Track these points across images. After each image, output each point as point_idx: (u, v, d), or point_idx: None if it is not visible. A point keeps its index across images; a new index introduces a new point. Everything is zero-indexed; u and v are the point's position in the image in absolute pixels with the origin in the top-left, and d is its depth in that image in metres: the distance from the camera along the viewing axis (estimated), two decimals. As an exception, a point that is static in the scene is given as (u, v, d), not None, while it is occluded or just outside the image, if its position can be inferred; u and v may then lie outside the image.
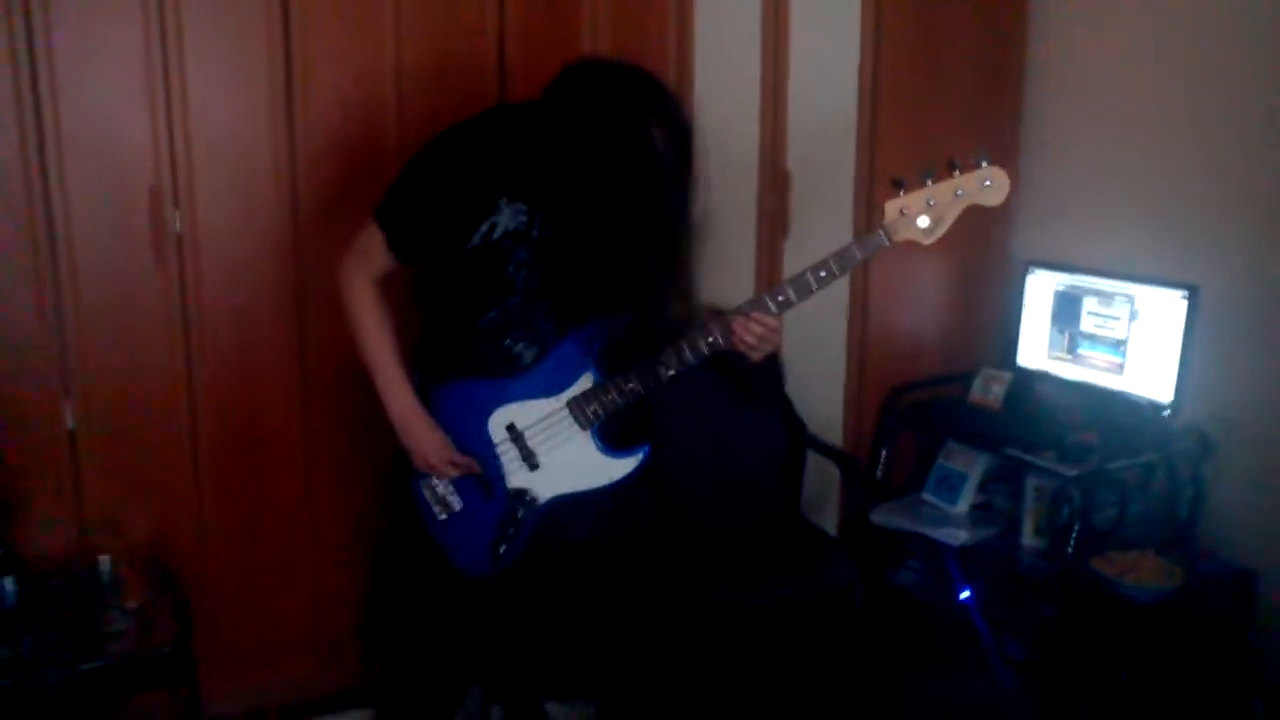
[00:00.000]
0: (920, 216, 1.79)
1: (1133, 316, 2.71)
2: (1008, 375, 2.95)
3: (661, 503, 2.05)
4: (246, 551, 2.64)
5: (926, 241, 1.80)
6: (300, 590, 2.69)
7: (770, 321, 1.84)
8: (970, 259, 3.02)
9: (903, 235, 1.80)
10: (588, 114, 1.74)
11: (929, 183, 1.80)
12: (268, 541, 2.64)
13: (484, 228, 1.89)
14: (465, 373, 2.00)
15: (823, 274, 1.82)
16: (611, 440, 1.98)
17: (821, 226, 2.89)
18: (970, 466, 2.91)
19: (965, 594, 2.73)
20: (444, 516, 2.03)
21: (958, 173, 1.78)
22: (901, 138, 2.80)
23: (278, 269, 2.54)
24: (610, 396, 1.93)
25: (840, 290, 2.84)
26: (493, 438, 1.99)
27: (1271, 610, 2.51)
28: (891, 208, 1.80)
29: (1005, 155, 3.09)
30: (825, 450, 2.82)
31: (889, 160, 2.80)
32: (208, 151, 2.45)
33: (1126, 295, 2.72)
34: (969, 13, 2.92)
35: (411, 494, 2.06)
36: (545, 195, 1.86)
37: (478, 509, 2.02)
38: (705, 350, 1.88)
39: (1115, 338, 2.76)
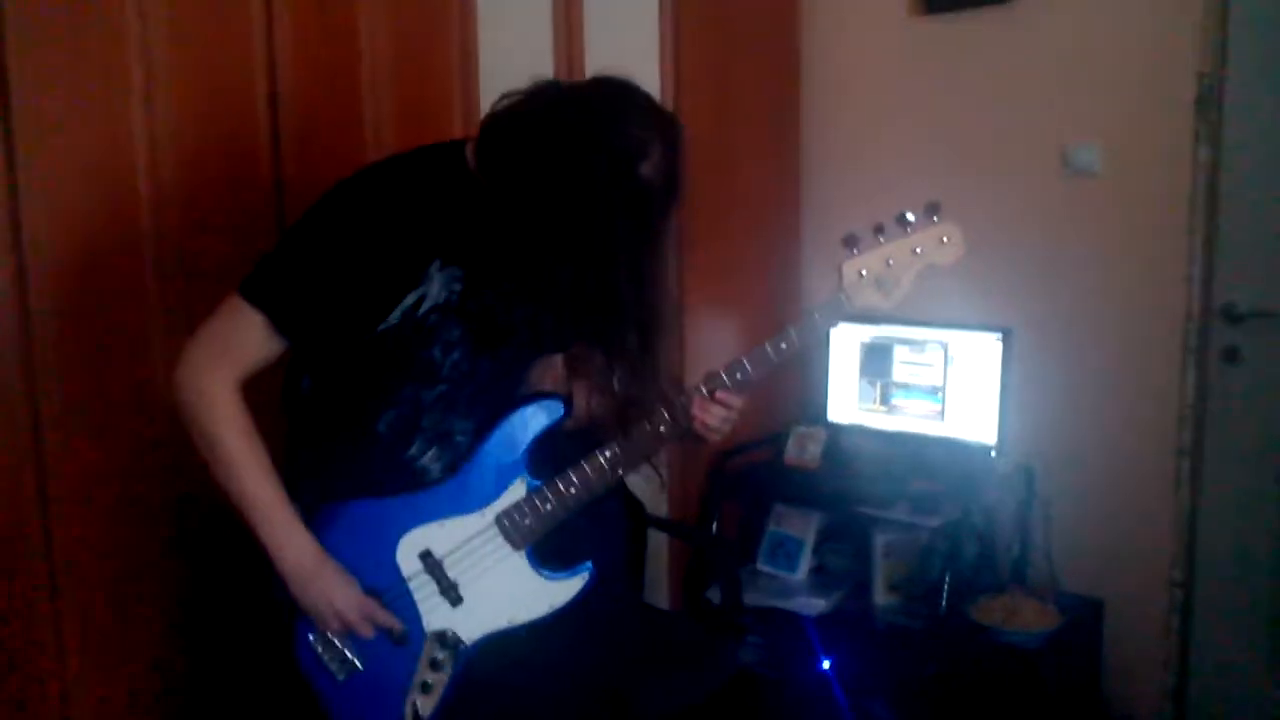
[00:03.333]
0: (880, 277, 1.73)
1: (947, 362, 2.84)
2: (821, 432, 2.99)
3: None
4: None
5: (887, 305, 1.76)
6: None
7: (735, 401, 1.72)
8: (761, 316, 3.04)
9: (861, 299, 1.74)
10: (562, 137, 1.52)
11: (882, 240, 1.74)
12: None
13: (409, 300, 1.61)
14: (357, 491, 1.68)
15: (783, 346, 1.74)
16: (547, 558, 1.74)
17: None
18: (805, 530, 2.93)
19: (826, 664, 2.69)
20: (344, 677, 1.69)
21: (911, 228, 1.74)
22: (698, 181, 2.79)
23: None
24: (549, 507, 1.70)
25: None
26: (403, 570, 1.70)
27: (1118, 635, 2.69)
28: (850, 269, 1.75)
29: (788, 201, 3.19)
30: (674, 529, 2.72)
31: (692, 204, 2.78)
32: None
33: (939, 342, 2.85)
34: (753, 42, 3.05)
35: (295, 654, 1.69)
36: (492, 253, 1.60)
37: (387, 663, 1.72)
38: (660, 438, 1.70)
39: (931, 384, 2.87)
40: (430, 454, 1.72)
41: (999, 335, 2.77)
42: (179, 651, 2.09)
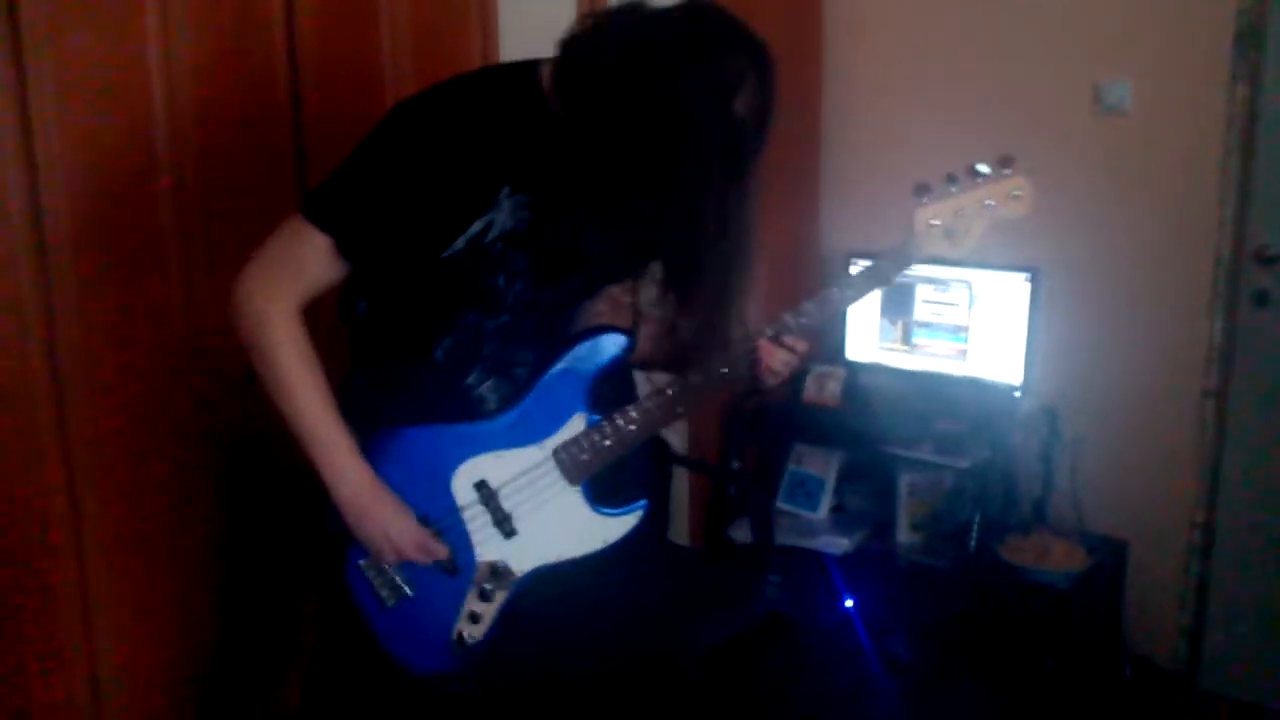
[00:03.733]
0: (950, 227, 1.71)
1: (971, 302, 2.82)
2: (841, 370, 2.99)
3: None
4: None
5: (955, 255, 1.74)
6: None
7: (801, 345, 1.69)
8: (777, 254, 3.01)
9: (931, 248, 1.73)
10: (648, 65, 1.42)
11: (953, 190, 1.71)
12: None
13: (476, 227, 1.55)
14: (413, 417, 1.66)
15: (850, 292, 1.73)
16: (601, 494, 1.71)
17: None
18: (826, 469, 2.93)
19: (849, 603, 2.71)
20: (393, 604, 1.67)
21: (983, 180, 1.71)
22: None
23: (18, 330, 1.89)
24: (607, 443, 1.68)
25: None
26: (458, 500, 1.68)
27: (1138, 575, 2.72)
28: (921, 217, 1.73)
29: (807, 142, 3.15)
30: (699, 466, 2.70)
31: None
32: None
33: (963, 281, 2.83)
34: None
35: (345, 579, 1.67)
36: (564, 181, 1.53)
37: (436, 591, 1.71)
38: (719, 379, 1.67)
39: (955, 324, 2.86)
40: (488, 384, 1.68)
41: (1027, 275, 2.75)
42: (207, 590, 2.07)
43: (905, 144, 3.04)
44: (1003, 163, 1.73)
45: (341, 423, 1.60)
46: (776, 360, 1.70)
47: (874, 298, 2.94)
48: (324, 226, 1.54)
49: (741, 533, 2.84)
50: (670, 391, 1.69)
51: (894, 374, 2.98)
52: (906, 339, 2.97)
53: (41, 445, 1.82)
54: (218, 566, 2.08)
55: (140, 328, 1.91)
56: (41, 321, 1.80)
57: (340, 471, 1.59)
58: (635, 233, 1.62)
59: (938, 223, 1.72)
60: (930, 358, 2.93)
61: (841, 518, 2.93)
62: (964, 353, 2.87)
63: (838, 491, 2.98)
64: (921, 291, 2.93)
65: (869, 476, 2.96)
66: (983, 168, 1.73)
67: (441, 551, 1.65)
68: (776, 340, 1.70)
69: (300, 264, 1.57)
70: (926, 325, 2.93)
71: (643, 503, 1.75)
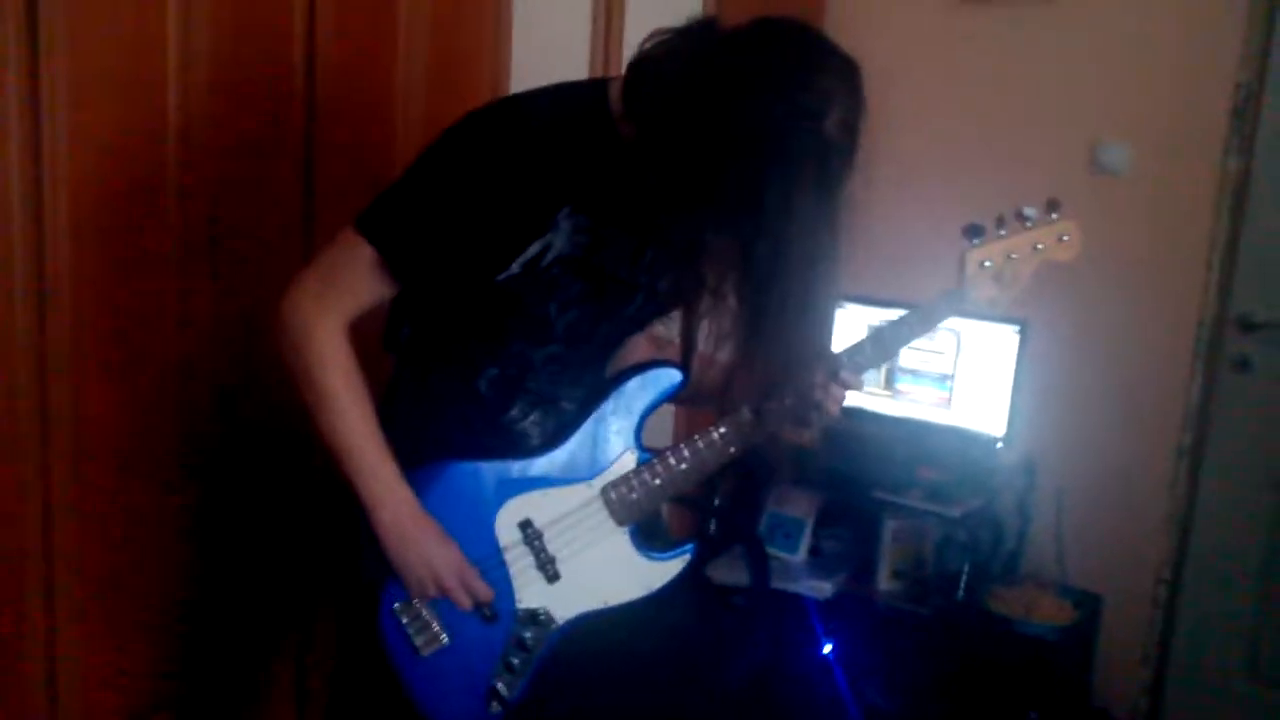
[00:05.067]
0: (1000, 271, 1.70)
1: (959, 351, 2.83)
2: (821, 412, 2.95)
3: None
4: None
5: (1003, 299, 1.73)
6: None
7: (858, 384, 1.65)
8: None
9: (981, 291, 1.70)
10: (733, 88, 1.33)
11: (1002, 233, 1.70)
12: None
13: (533, 249, 1.48)
14: (453, 450, 1.59)
15: (904, 331, 1.70)
16: (647, 537, 1.65)
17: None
18: (807, 511, 2.90)
19: (828, 648, 2.68)
20: (428, 653, 1.58)
21: (1031, 225, 1.71)
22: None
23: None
24: (657, 482, 1.62)
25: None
26: (501, 540, 1.60)
27: (1108, 630, 2.75)
28: (973, 259, 1.70)
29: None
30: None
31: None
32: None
33: (952, 330, 2.84)
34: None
35: (378, 623, 1.59)
36: (629, 206, 1.46)
37: (472, 639, 1.63)
38: (776, 420, 1.62)
39: (941, 372, 2.86)
40: (532, 418, 1.61)
41: (1016, 328, 2.78)
42: (184, 622, 1.96)
43: (896, 190, 3.04)
44: (1050, 207, 1.73)
45: (384, 445, 1.53)
46: (832, 400, 1.66)
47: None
48: (374, 240, 1.48)
49: (719, 572, 2.80)
50: (724, 430, 1.64)
51: (874, 418, 2.98)
52: (890, 384, 2.97)
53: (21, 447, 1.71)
54: (199, 590, 1.97)
55: (134, 331, 1.81)
56: (33, 320, 1.70)
57: (382, 498, 1.52)
58: (698, 263, 1.56)
59: (990, 265, 1.71)
60: (913, 404, 2.93)
61: (819, 561, 2.91)
62: (948, 401, 2.88)
63: (814, 534, 2.96)
64: (907, 337, 2.93)
65: (846, 521, 2.95)
66: (1030, 211, 1.72)
67: (484, 591, 1.57)
68: (833, 380, 1.65)
69: (349, 278, 1.50)
70: (912, 372, 2.94)
71: (690, 546, 1.70)
